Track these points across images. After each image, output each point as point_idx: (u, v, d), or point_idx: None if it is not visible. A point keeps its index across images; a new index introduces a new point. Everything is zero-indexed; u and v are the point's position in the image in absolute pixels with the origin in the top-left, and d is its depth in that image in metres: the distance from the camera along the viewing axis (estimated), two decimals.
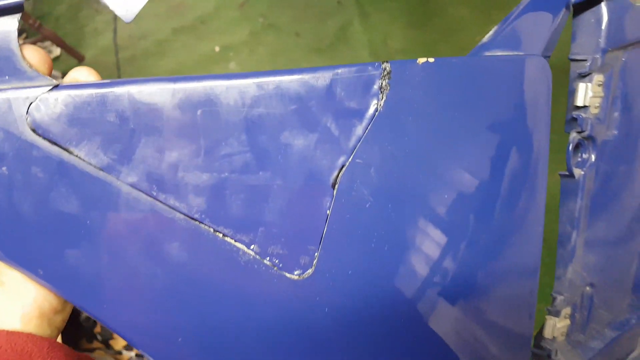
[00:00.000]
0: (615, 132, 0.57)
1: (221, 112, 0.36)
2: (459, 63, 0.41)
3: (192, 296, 0.37)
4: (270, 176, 0.37)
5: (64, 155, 0.34)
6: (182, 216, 0.36)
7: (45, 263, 0.35)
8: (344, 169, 0.39)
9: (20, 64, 0.34)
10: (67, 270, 0.35)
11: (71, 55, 2.29)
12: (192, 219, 0.36)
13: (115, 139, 0.34)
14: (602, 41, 0.52)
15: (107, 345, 1.43)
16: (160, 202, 0.35)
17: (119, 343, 1.47)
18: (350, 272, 0.40)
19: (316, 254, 0.39)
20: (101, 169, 0.34)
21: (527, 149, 0.46)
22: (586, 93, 0.53)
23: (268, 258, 0.38)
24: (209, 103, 0.35)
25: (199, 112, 0.35)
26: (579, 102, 0.54)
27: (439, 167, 0.42)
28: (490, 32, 0.45)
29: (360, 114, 0.39)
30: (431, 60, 0.40)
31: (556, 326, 0.60)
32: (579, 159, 0.56)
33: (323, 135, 0.38)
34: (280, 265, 0.38)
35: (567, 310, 0.60)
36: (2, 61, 0.33)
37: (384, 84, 0.39)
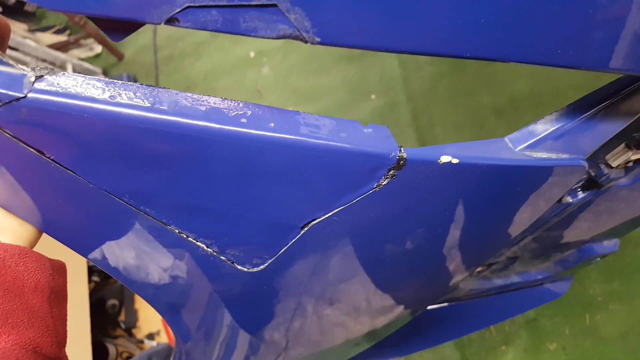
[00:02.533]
0: (626, 181, 0.54)
1: (216, 153, 0.33)
2: (484, 169, 0.36)
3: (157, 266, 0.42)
4: (250, 208, 0.37)
5: (33, 152, 0.32)
6: (151, 219, 0.37)
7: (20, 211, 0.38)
8: (317, 220, 0.39)
9: None
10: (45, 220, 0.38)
11: (112, 53, 2.35)
12: (161, 222, 0.38)
13: (88, 152, 0.32)
14: None
15: (130, 334, 1.39)
16: (132, 206, 0.36)
17: (141, 332, 1.43)
18: (291, 277, 0.45)
19: (269, 261, 0.43)
20: (73, 171, 0.33)
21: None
22: (628, 158, 0.48)
23: (225, 256, 0.42)
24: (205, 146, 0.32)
25: (195, 147, 0.32)
26: (616, 163, 0.49)
27: (394, 250, 0.42)
28: (543, 126, 0.37)
29: (355, 187, 0.36)
30: (455, 161, 0.35)
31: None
32: (575, 193, 0.55)
33: (312, 192, 0.36)
34: (234, 261, 0.42)
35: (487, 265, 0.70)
36: None
37: (391, 172, 0.35)
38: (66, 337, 0.42)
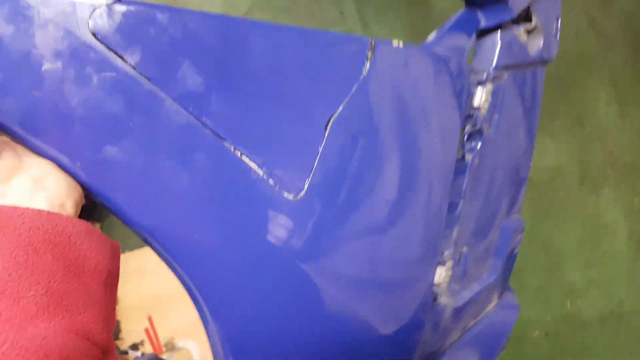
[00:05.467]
0: (493, 129, 0.77)
1: (251, 52, 0.44)
2: (416, 51, 0.55)
3: (208, 200, 0.43)
4: (281, 114, 0.46)
5: (118, 61, 0.38)
6: (210, 132, 0.42)
7: (84, 155, 0.38)
8: (335, 114, 0.49)
9: None
10: (103, 165, 0.39)
11: None
12: (219, 136, 0.43)
13: (164, 55, 0.40)
14: (495, 60, 0.71)
15: None
16: (195, 117, 0.42)
17: (125, 343, 1.39)
18: (332, 199, 0.50)
19: (307, 181, 0.48)
20: (149, 79, 0.40)
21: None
22: (482, 97, 0.72)
23: (272, 179, 0.46)
24: (242, 42, 0.43)
25: (235, 48, 0.43)
26: (476, 103, 0.72)
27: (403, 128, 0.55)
28: (432, 36, 0.60)
29: (351, 75, 0.49)
30: (401, 45, 0.53)
31: (442, 274, 0.77)
32: (470, 146, 0.74)
33: (323, 85, 0.48)
34: (280, 186, 0.46)
35: (450, 263, 0.78)
36: None
37: (370, 54, 0.50)
38: (114, 325, 0.37)
